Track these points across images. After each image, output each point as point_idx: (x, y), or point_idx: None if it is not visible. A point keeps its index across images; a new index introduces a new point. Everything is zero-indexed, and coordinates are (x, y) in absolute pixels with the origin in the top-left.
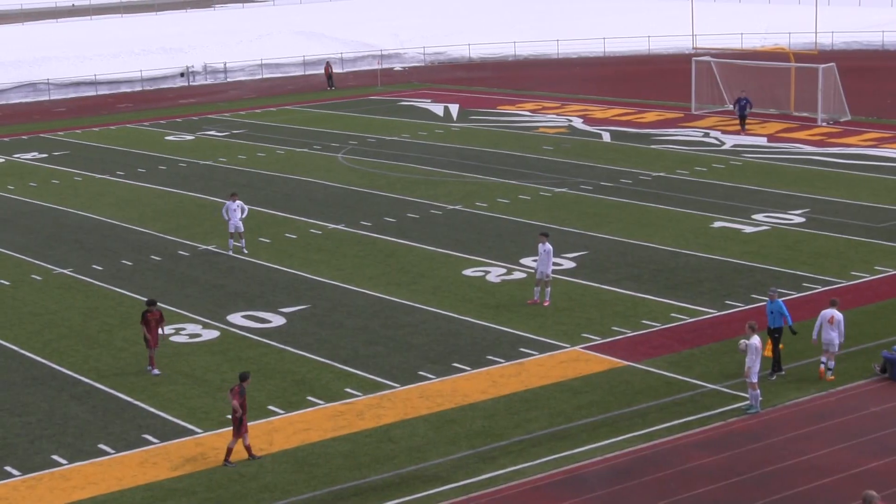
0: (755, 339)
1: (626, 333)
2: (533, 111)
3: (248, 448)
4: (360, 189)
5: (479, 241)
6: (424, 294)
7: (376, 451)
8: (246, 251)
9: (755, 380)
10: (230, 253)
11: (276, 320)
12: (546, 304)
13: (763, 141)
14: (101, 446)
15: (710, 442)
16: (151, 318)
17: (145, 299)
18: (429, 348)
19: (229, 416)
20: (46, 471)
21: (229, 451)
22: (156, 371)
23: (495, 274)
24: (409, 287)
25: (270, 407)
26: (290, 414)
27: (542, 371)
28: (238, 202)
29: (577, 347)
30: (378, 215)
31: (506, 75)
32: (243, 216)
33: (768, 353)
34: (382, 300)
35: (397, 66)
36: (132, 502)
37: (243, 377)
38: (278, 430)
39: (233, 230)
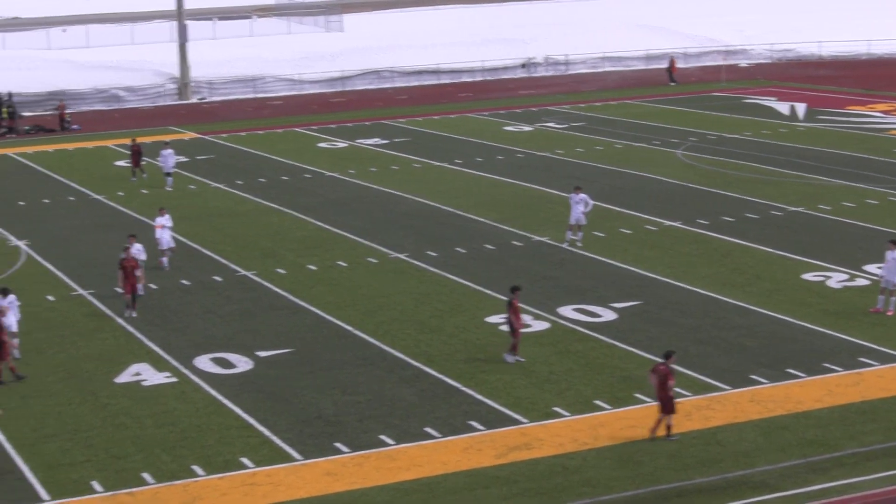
0: None
1: None
2: (885, 112)
3: (668, 427)
4: (697, 186)
5: (820, 245)
6: (760, 296)
7: (702, 453)
8: (580, 244)
9: None
10: (565, 245)
11: (607, 315)
12: (890, 313)
13: None
14: (427, 429)
15: None
16: (518, 305)
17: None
18: (762, 352)
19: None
20: (373, 450)
21: (669, 427)
22: (514, 358)
23: (836, 279)
24: (744, 288)
25: (597, 402)
26: (616, 410)
27: (881, 382)
28: (582, 195)
29: None
30: (715, 214)
31: (857, 74)
32: (586, 210)
33: None
34: (716, 300)
35: (742, 63)
36: (455, 487)
37: (668, 355)
38: (604, 426)
39: (573, 222)
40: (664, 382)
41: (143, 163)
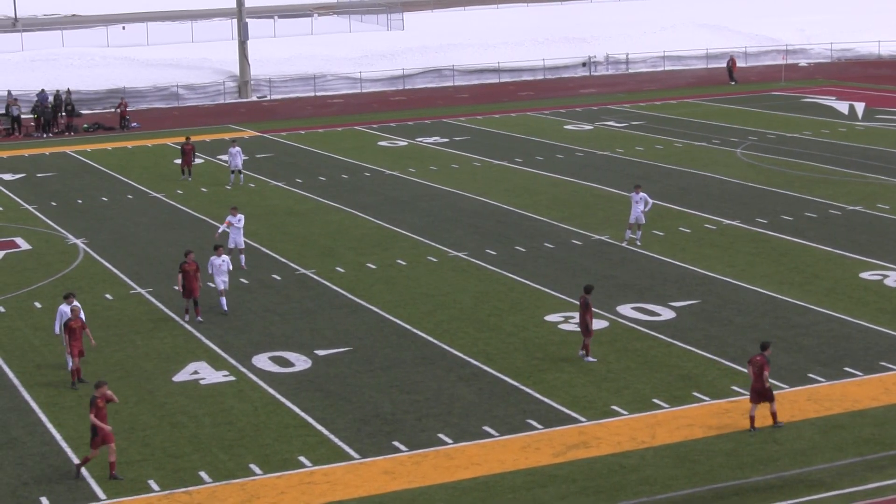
0: None
1: None
2: None
3: (773, 414)
4: (757, 186)
5: (878, 244)
6: (818, 295)
7: (760, 451)
8: (639, 243)
9: None
10: (624, 244)
11: (666, 314)
12: None
13: None
14: (486, 428)
15: None
16: (591, 304)
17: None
18: (819, 350)
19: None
20: (432, 448)
21: (774, 415)
22: (590, 358)
23: (894, 278)
24: (802, 287)
25: (655, 400)
26: (674, 409)
27: None
28: (641, 194)
29: None
30: (774, 213)
31: None
32: (646, 209)
33: None
34: (774, 299)
35: (802, 62)
36: (513, 486)
37: (764, 346)
38: (661, 424)
39: (633, 221)
40: (760, 373)
41: (199, 161)
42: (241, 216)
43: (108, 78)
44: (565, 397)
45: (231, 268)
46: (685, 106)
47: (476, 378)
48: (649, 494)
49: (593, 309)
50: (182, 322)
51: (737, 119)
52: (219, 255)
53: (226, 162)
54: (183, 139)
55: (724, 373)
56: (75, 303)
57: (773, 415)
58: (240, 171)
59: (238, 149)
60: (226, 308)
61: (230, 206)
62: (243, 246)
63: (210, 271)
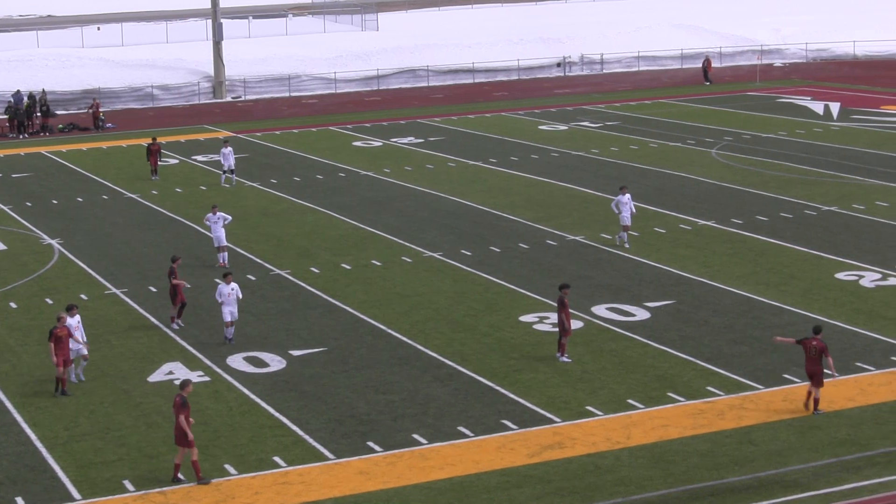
0: None
1: None
2: None
3: (816, 401)
4: (732, 186)
5: (854, 244)
6: (794, 296)
7: (736, 452)
8: (618, 243)
9: None
10: (627, 245)
11: (641, 314)
12: None
13: None
14: (461, 428)
15: None
16: (568, 303)
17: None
18: (795, 351)
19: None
20: (406, 449)
21: (816, 401)
22: (565, 359)
23: (869, 279)
24: (778, 288)
25: (630, 401)
26: (649, 409)
27: None
28: (628, 195)
29: None
30: (750, 213)
31: (891, 74)
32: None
33: None
34: (750, 300)
35: (777, 62)
36: (488, 486)
37: (817, 330)
38: (637, 425)
39: (629, 222)
40: (818, 356)
41: (174, 161)
42: (220, 214)
43: (84, 78)
44: (540, 398)
45: (241, 296)
46: (660, 106)
47: (451, 378)
48: (625, 495)
49: (569, 309)
50: (157, 322)
51: (712, 119)
52: (227, 283)
53: (220, 163)
54: (149, 140)
55: (699, 373)
56: (64, 314)
57: (816, 401)
58: (227, 171)
59: (230, 149)
60: (229, 337)
61: (211, 205)
62: (224, 244)
63: (219, 300)
